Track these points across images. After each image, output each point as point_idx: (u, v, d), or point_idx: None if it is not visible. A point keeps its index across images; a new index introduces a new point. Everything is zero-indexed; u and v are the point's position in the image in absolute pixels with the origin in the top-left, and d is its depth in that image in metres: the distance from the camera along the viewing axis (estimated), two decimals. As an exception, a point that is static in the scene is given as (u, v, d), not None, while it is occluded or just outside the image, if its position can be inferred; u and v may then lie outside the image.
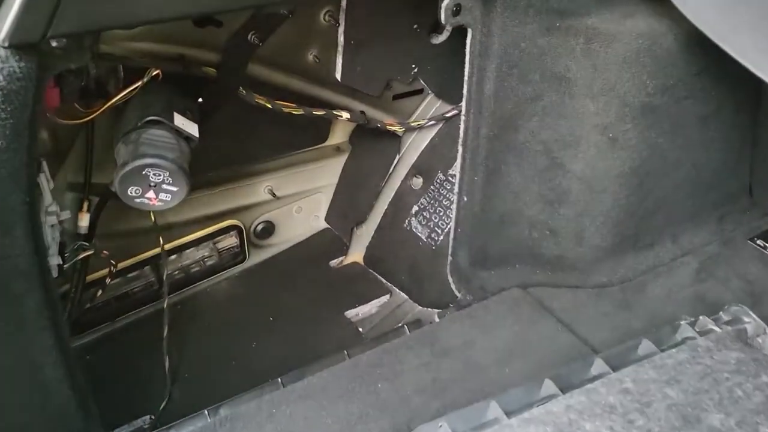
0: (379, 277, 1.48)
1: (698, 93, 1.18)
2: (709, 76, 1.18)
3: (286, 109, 1.16)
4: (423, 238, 1.41)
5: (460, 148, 1.17)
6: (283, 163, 1.41)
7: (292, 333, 1.30)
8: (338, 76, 1.19)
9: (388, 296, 1.43)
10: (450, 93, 1.31)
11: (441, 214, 1.38)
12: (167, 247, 1.26)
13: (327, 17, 1.15)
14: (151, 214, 1.17)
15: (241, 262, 1.42)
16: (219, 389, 1.13)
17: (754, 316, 1.09)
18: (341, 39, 1.15)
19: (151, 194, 0.96)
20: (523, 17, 1.06)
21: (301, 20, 1.14)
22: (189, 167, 0.99)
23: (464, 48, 1.08)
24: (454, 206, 1.25)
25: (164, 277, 1.21)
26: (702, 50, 1.12)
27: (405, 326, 1.28)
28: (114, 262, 1.19)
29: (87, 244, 1.10)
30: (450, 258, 1.29)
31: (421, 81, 1.29)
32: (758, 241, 1.38)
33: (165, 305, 1.18)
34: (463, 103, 1.13)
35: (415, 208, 1.42)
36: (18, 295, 0.81)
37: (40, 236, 0.82)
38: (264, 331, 1.30)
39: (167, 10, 0.77)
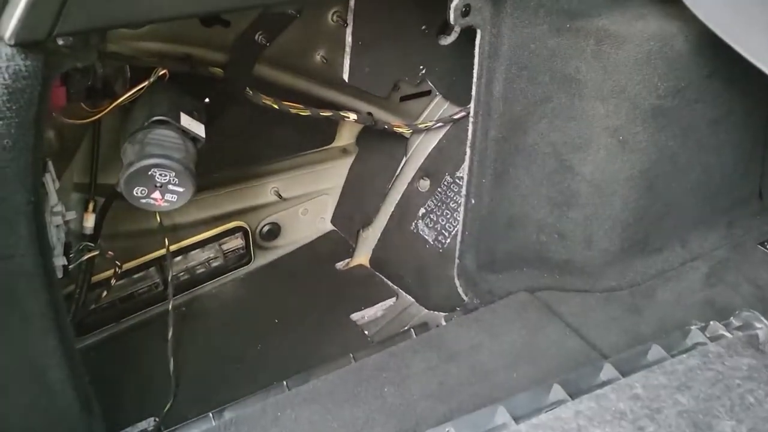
0: (385, 279, 1.47)
1: (709, 96, 1.17)
2: (721, 78, 1.16)
3: (292, 110, 1.16)
4: (430, 240, 1.40)
5: (468, 151, 1.16)
6: (290, 165, 1.40)
7: (298, 335, 1.30)
8: (345, 76, 1.18)
9: (394, 299, 1.42)
10: (458, 94, 1.30)
11: (448, 216, 1.38)
12: (172, 248, 1.25)
13: (335, 17, 1.14)
14: (157, 214, 1.17)
15: (247, 263, 1.41)
16: (224, 392, 1.13)
17: (765, 321, 1.07)
18: (349, 39, 1.14)
19: (157, 195, 0.96)
20: (533, 18, 1.05)
21: (308, 20, 1.14)
22: (195, 168, 0.98)
23: (473, 49, 1.07)
24: (461, 209, 1.24)
25: (169, 279, 1.21)
26: (713, 52, 1.11)
27: (411, 329, 1.28)
28: (119, 263, 1.18)
29: (92, 244, 1.10)
30: (457, 261, 1.28)
31: (429, 82, 1.28)
32: (769, 246, 1.37)
33: (170, 307, 1.18)
34: (472, 105, 1.12)
35: (422, 210, 1.41)
36: (22, 296, 0.80)
37: (45, 236, 0.82)
38: (269, 333, 1.30)
39: (174, 8, 0.77)
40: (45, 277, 0.82)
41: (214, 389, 1.15)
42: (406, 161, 1.42)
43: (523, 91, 1.11)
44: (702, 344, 1.03)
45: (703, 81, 1.14)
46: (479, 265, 1.28)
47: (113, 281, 1.19)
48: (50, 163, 0.92)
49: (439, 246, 1.39)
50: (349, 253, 1.50)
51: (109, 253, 1.14)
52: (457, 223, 1.29)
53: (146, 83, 0.97)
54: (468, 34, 1.07)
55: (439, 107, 1.37)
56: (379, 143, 1.42)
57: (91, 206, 1.11)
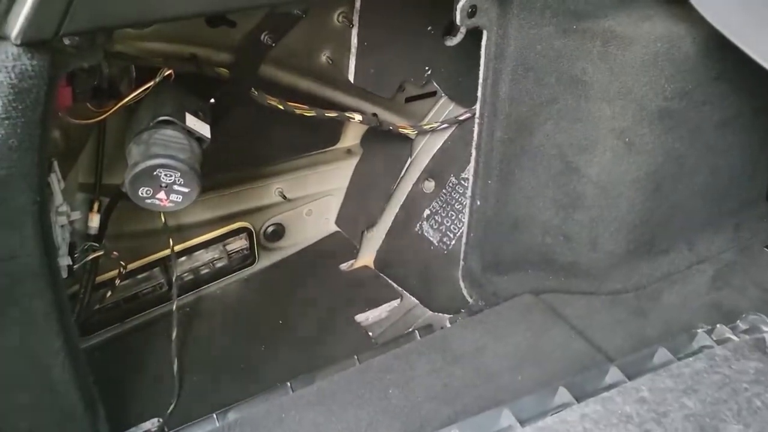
0: (389, 281, 1.47)
1: (716, 98, 1.16)
2: (728, 80, 1.16)
3: (298, 111, 1.16)
4: (434, 242, 1.40)
5: (473, 152, 1.16)
6: (294, 165, 1.40)
7: (302, 336, 1.29)
8: (351, 77, 1.18)
9: (398, 300, 1.42)
10: (463, 96, 1.30)
11: (453, 218, 1.37)
12: (177, 248, 1.25)
13: (341, 18, 1.14)
14: (162, 215, 1.17)
15: (251, 264, 1.41)
16: (228, 393, 1.13)
17: (772, 325, 1.07)
18: (354, 40, 1.14)
19: (162, 195, 0.95)
20: (540, 19, 1.04)
21: (314, 21, 1.14)
22: (200, 168, 0.98)
23: (478, 50, 1.07)
24: (466, 210, 1.23)
25: (174, 279, 1.20)
26: (721, 54, 1.11)
27: (416, 331, 1.27)
28: (124, 263, 1.18)
29: (97, 244, 1.10)
30: (462, 263, 1.28)
31: (434, 83, 1.28)
32: (775, 249, 1.36)
33: (174, 307, 1.18)
34: (478, 106, 1.11)
35: (427, 212, 1.41)
36: (27, 296, 0.80)
37: (50, 236, 0.82)
38: (273, 334, 1.29)
39: (180, 8, 0.76)
40: (50, 277, 0.82)
41: (218, 390, 1.15)
42: (410, 162, 1.41)
43: (529, 93, 1.11)
44: (708, 347, 1.03)
45: (710, 83, 1.13)
46: (484, 267, 1.27)
47: (118, 281, 1.19)
48: (55, 163, 0.92)
49: (444, 247, 1.38)
50: (354, 254, 1.50)
51: (114, 253, 1.14)
52: (462, 225, 1.29)
53: (152, 83, 0.97)
54: (474, 35, 1.07)
55: (444, 108, 1.36)
56: (384, 144, 1.42)
57: (96, 206, 1.11)
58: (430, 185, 1.41)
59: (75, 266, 1.03)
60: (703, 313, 1.22)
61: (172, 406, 1.11)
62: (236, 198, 1.34)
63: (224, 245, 1.35)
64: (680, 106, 1.12)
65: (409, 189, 1.43)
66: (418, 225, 1.43)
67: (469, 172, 1.19)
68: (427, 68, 1.24)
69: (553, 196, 1.21)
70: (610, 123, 1.13)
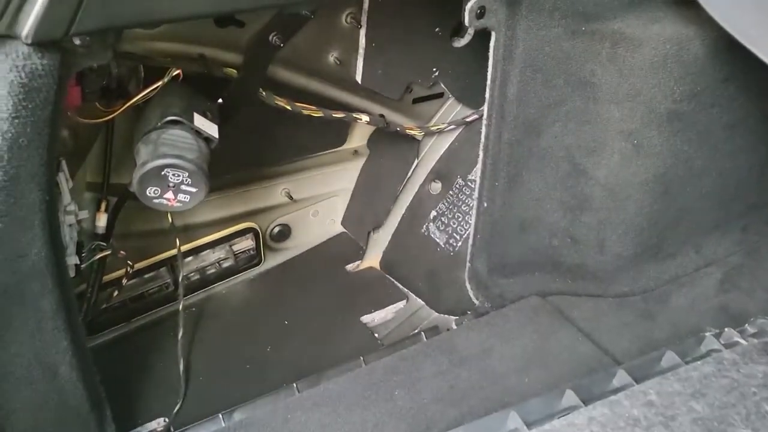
0: (395, 282, 1.46)
1: (725, 100, 1.16)
2: (737, 83, 1.15)
3: (305, 112, 1.15)
4: (441, 243, 1.40)
5: (481, 153, 1.16)
6: (301, 166, 1.40)
7: (308, 337, 1.29)
8: (358, 78, 1.18)
9: (404, 302, 1.42)
10: (470, 97, 1.30)
11: (460, 219, 1.37)
12: (184, 248, 1.25)
13: (349, 19, 1.14)
14: (168, 215, 1.17)
15: (257, 265, 1.41)
16: (234, 393, 1.13)
17: (780, 328, 1.06)
18: (362, 41, 1.14)
19: (169, 195, 0.95)
20: (548, 20, 1.04)
21: (322, 22, 1.14)
22: (208, 168, 0.98)
23: (486, 52, 1.06)
24: (473, 212, 1.23)
25: (180, 279, 1.20)
26: (730, 56, 1.10)
27: (422, 333, 1.27)
28: (131, 263, 1.18)
29: (104, 244, 1.10)
30: (468, 264, 1.28)
31: (442, 85, 1.28)
32: (783, 253, 1.35)
33: (180, 307, 1.18)
34: (485, 108, 1.11)
35: (434, 213, 1.41)
36: (35, 295, 0.80)
37: (58, 235, 0.82)
38: (279, 334, 1.29)
39: (190, 8, 0.77)
40: (58, 276, 0.82)
41: (224, 390, 1.15)
42: (417, 163, 1.41)
43: (538, 94, 1.11)
44: (716, 351, 1.02)
45: (719, 85, 1.13)
46: (491, 269, 1.27)
47: (125, 281, 1.19)
48: (64, 162, 0.92)
49: (451, 249, 1.38)
50: (360, 255, 1.50)
51: (121, 252, 1.14)
52: (469, 226, 1.28)
53: (160, 83, 0.97)
54: (482, 36, 1.06)
55: (451, 110, 1.36)
56: (391, 145, 1.42)
57: (103, 206, 1.11)
58: (436, 186, 1.40)
59: (82, 265, 1.04)
60: (711, 317, 1.21)
61: (178, 406, 1.11)
62: (243, 198, 1.34)
63: (231, 245, 1.35)
64: (689, 108, 1.12)
65: (416, 190, 1.43)
66: (424, 226, 1.42)
67: (477, 173, 1.19)
68: (434, 69, 1.24)
69: (561, 198, 1.21)
70: (618, 125, 1.12)
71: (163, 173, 0.93)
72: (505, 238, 1.24)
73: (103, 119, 0.98)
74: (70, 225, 0.95)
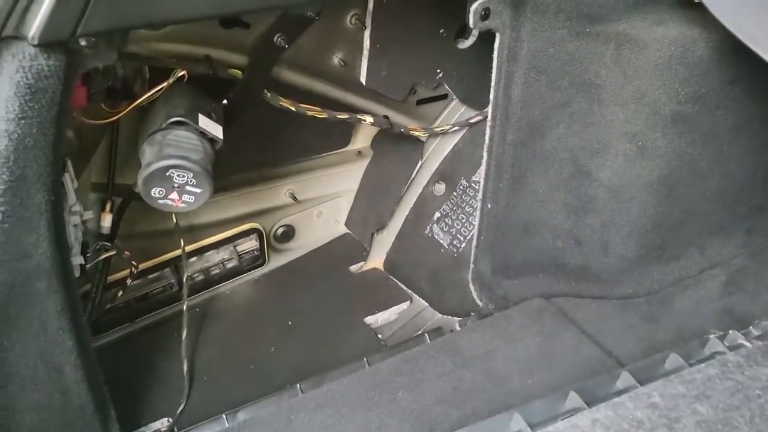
0: (399, 283, 1.47)
1: (730, 102, 1.15)
2: (742, 84, 1.15)
3: (309, 113, 1.16)
4: (445, 244, 1.40)
5: (485, 155, 1.16)
6: (305, 167, 1.40)
7: (311, 338, 1.29)
8: (363, 79, 1.18)
9: (408, 303, 1.42)
10: (475, 99, 1.30)
11: (463, 221, 1.37)
12: (188, 249, 1.25)
13: (353, 20, 1.14)
14: (173, 215, 1.17)
15: (261, 265, 1.41)
16: (237, 393, 1.13)
17: (785, 331, 1.06)
18: (367, 42, 1.14)
19: (174, 195, 0.96)
20: (553, 22, 1.04)
21: (327, 23, 1.14)
22: (212, 169, 0.99)
23: (490, 53, 1.07)
24: (477, 213, 1.23)
25: (184, 279, 1.21)
26: (735, 58, 1.10)
27: (425, 334, 1.27)
28: (135, 263, 1.19)
29: (109, 244, 1.11)
30: (472, 266, 1.28)
31: (446, 86, 1.28)
32: (788, 255, 1.35)
33: (185, 307, 1.18)
34: (490, 109, 1.11)
35: (437, 214, 1.41)
36: (40, 294, 0.81)
37: (63, 236, 0.83)
38: (283, 335, 1.30)
39: (195, 10, 0.77)
40: (63, 277, 0.82)
41: (228, 390, 1.15)
42: (421, 165, 1.41)
43: (542, 96, 1.11)
44: (721, 353, 1.02)
45: (724, 87, 1.13)
46: (494, 270, 1.27)
47: (129, 281, 1.19)
48: (69, 163, 0.93)
49: (454, 250, 1.38)
50: (364, 256, 1.50)
51: (126, 253, 1.15)
52: (473, 228, 1.28)
53: (165, 84, 0.98)
54: (486, 37, 1.07)
55: (455, 111, 1.36)
56: (395, 146, 1.42)
57: (108, 206, 1.11)
58: (440, 188, 1.40)
59: (87, 265, 1.04)
60: (715, 319, 1.21)
61: (181, 406, 1.12)
62: (247, 199, 1.34)
63: (235, 246, 1.35)
64: (693, 110, 1.11)
65: (420, 191, 1.43)
66: (428, 227, 1.42)
67: (480, 174, 1.19)
68: (438, 71, 1.24)
69: (565, 200, 1.21)
70: (622, 127, 1.12)
71: (167, 174, 0.93)
72: (508, 239, 1.24)
73: (109, 120, 0.98)
74: (75, 225, 0.96)
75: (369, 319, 1.37)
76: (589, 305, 1.25)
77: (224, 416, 1.07)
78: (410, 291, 1.44)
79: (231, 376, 1.19)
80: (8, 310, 0.79)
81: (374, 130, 1.42)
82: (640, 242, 1.23)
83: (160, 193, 0.95)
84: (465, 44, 1.20)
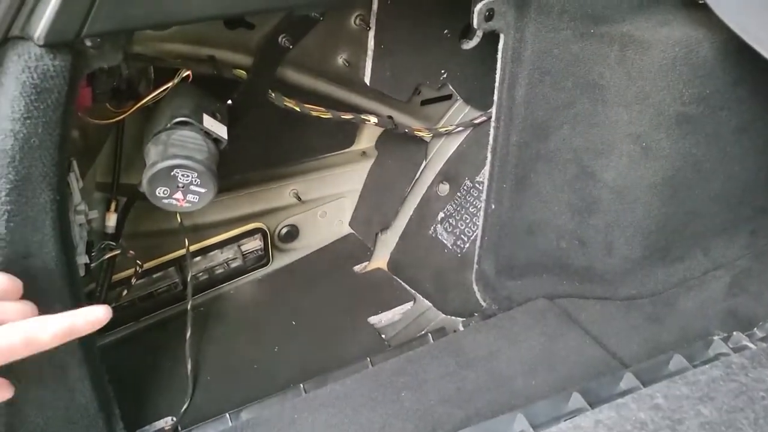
0: (402, 283, 1.47)
1: (734, 103, 1.15)
2: (746, 86, 1.15)
3: (314, 113, 1.16)
4: (448, 245, 1.40)
5: (489, 155, 1.16)
6: (309, 167, 1.40)
7: (315, 337, 1.30)
8: (367, 80, 1.18)
9: (411, 303, 1.42)
10: (479, 99, 1.30)
11: (467, 221, 1.37)
12: (192, 248, 1.26)
13: (358, 21, 1.14)
14: (177, 215, 1.17)
15: (265, 265, 1.42)
16: (241, 393, 1.13)
17: (790, 333, 1.06)
18: (371, 43, 1.15)
19: (179, 195, 0.96)
20: (557, 23, 1.04)
21: (331, 24, 1.14)
22: (217, 169, 0.99)
23: (494, 54, 1.07)
24: (480, 214, 1.23)
25: (189, 279, 1.21)
26: (739, 60, 1.10)
27: (429, 334, 1.27)
28: (140, 263, 1.19)
29: (114, 243, 1.11)
30: (476, 266, 1.28)
31: (450, 86, 1.28)
32: (792, 256, 1.35)
33: (189, 306, 1.18)
34: (494, 110, 1.11)
35: (441, 214, 1.41)
36: (45, 293, 0.81)
37: (68, 235, 0.83)
38: (286, 335, 1.30)
39: (200, 10, 0.77)
40: (68, 276, 0.83)
41: (231, 390, 1.15)
42: (425, 165, 1.41)
43: (546, 97, 1.11)
44: (725, 355, 1.02)
45: (728, 88, 1.13)
46: (498, 271, 1.27)
47: (134, 280, 1.20)
48: (74, 163, 0.93)
49: (458, 251, 1.38)
50: (367, 256, 1.50)
51: (130, 252, 1.15)
52: (477, 228, 1.28)
53: (170, 84, 0.98)
54: (490, 38, 1.07)
55: (459, 111, 1.36)
56: (399, 147, 1.42)
57: (113, 206, 1.12)
58: (444, 188, 1.41)
59: (92, 265, 1.04)
60: (720, 320, 1.21)
61: (185, 406, 1.12)
62: (251, 199, 1.34)
63: (239, 246, 1.36)
64: (698, 111, 1.11)
65: (424, 192, 1.43)
66: (432, 228, 1.43)
67: (485, 175, 1.19)
68: (443, 71, 1.24)
69: (569, 201, 1.21)
70: (626, 128, 1.12)
71: (172, 174, 0.94)
72: (512, 240, 1.24)
73: (114, 120, 0.98)
74: (80, 224, 0.96)
75: (372, 319, 1.37)
76: (593, 306, 1.25)
77: (228, 415, 1.07)
78: (414, 291, 1.44)
79: (235, 376, 1.19)
80: (13, 309, 0.79)
81: (378, 130, 1.43)
82: (644, 243, 1.23)
83: (165, 192, 0.95)
84: (469, 45, 1.20)
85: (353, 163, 1.45)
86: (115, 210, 1.12)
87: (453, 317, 1.37)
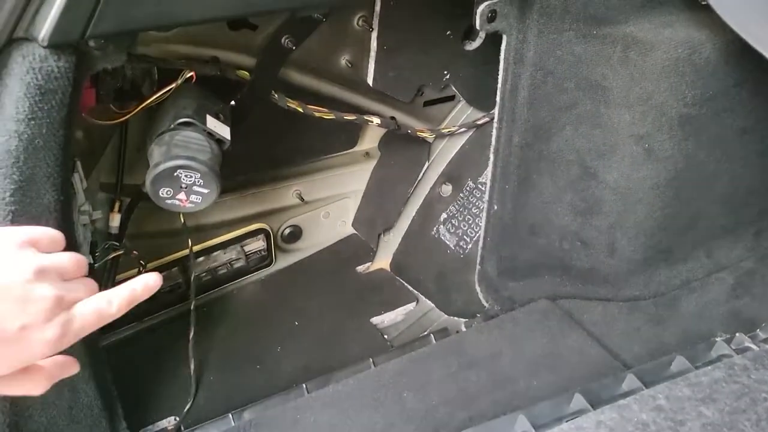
0: (405, 284, 1.47)
1: (737, 105, 1.15)
2: (749, 87, 1.15)
3: (317, 114, 1.16)
4: (451, 246, 1.40)
5: (491, 156, 1.16)
6: (312, 168, 1.41)
7: (318, 338, 1.30)
8: (370, 81, 1.19)
9: (414, 304, 1.42)
10: (482, 100, 1.30)
11: (470, 222, 1.37)
12: (196, 248, 1.26)
13: (360, 22, 1.15)
14: (181, 215, 1.18)
15: (268, 265, 1.42)
16: (244, 392, 1.14)
17: (792, 334, 1.06)
18: (374, 44, 1.15)
19: (182, 196, 0.96)
20: (560, 24, 1.04)
21: (334, 25, 1.14)
22: (219, 170, 0.99)
23: (497, 55, 1.07)
24: (483, 214, 1.23)
25: (192, 279, 1.21)
26: (742, 61, 1.10)
27: (431, 335, 1.27)
28: (143, 263, 1.19)
29: (117, 244, 1.11)
30: (478, 267, 1.28)
31: (453, 87, 1.28)
32: (796, 258, 1.34)
33: (192, 307, 1.19)
34: (496, 111, 1.12)
35: (444, 215, 1.41)
36: (49, 293, 0.81)
37: (72, 235, 0.83)
38: (289, 335, 1.30)
39: (203, 12, 0.77)
40: (72, 276, 0.83)
41: (234, 390, 1.15)
42: (428, 166, 1.42)
43: (548, 98, 1.11)
44: (727, 356, 1.02)
45: (731, 89, 1.12)
46: (500, 272, 1.27)
47: (137, 280, 1.20)
48: (78, 163, 0.93)
49: (461, 251, 1.38)
50: (370, 256, 1.50)
51: (134, 252, 1.15)
52: (479, 229, 1.29)
53: (173, 85, 0.98)
54: (493, 39, 1.07)
55: (462, 112, 1.36)
56: (402, 148, 1.42)
57: (117, 206, 1.12)
58: (447, 189, 1.41)
59: (96, 265, 1.04)
60: (722, 322, 1.21)
61: (188, 405, 1.12)
62: (254, 199, 1.35)
63: (242, 246, 1.36)
64: (701, 112, 1.11)
65: (427, 192, 1.43)
66: (434, 228, 1.43)
67: (487, 176, 1.19)
68: (445, 72, 1.24)
69: (571, 202, 1.21)
70: (629, 129, 1.12)
71: (175, 174, 0.94)
72: (515, 240, 1.24)
73: (117, 120, 0.99)
74: (84, 225, 0.96)
75: (375, 320, 1.37)
76: (596, 307, 1.25)
77: (230, 415, 1.07)
78: (416, 292, 1.45)
79: (237, 376, 1.20)
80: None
81: (381, 131, 1.43)
82: (646, 244, 1.23)
83: (168, 193, 0.96)
84: (472, 46, 1.20)
85: (356, 164, 1.45)
86: (119, 210, 1.12)
87: (456, 318, 1.37)
